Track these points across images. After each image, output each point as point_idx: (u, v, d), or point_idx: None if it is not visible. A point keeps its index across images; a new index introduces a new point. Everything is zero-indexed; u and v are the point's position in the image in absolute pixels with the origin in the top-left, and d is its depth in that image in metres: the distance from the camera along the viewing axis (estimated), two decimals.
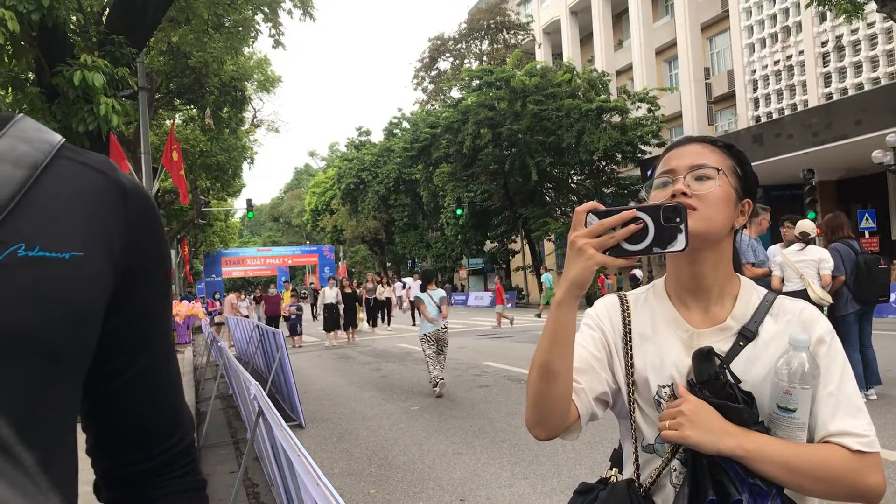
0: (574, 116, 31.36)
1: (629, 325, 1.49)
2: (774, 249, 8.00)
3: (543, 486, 5.49)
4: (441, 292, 10.88)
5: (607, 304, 1.56)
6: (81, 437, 0.91)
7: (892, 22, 21.94)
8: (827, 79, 27.35)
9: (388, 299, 25.45)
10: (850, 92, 25.40)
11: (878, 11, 17.96)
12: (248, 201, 37.03)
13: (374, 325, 24.96)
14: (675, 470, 1.37)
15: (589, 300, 22.57)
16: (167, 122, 26.17)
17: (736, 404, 1.29)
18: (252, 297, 29.39)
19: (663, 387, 1.41)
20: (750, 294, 1.46)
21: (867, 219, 20.92)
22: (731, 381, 1.33)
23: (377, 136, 58.68)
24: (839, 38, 26.50)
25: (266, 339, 10.65)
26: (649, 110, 31.75)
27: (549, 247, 40.36)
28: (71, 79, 8.24)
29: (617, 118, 31.97)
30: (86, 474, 0.91)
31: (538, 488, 5.44)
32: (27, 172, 0.78)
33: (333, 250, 60.50)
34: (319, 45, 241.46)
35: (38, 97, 8.91)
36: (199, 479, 1.00)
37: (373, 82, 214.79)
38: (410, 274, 45.40)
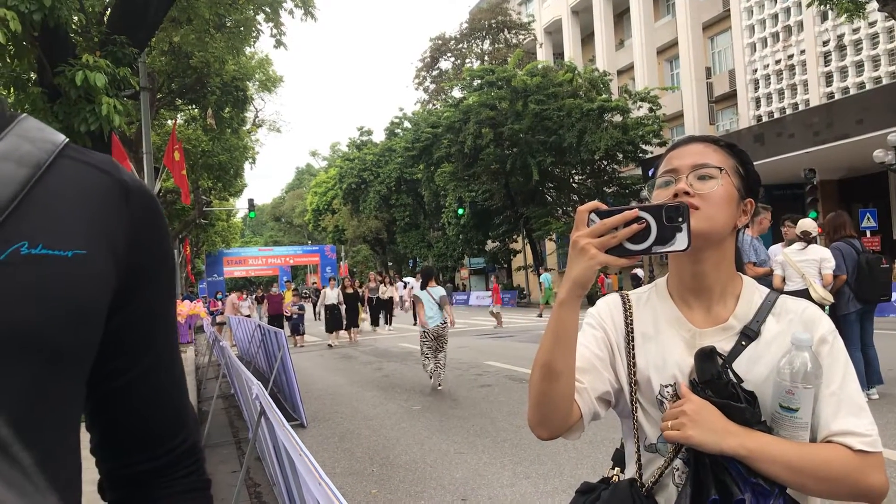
0: (575, 116, 31.36)
1: (631, 324, 1.49)
2: (776, 249, 7.99)
3: (545, 485, 5.49)
4: (441, 290, 10.88)
5: (609, 304, 1.56)
6: (85, 438, 0.91)
7: (893, 21, 21.93)
8: (828, 78, 27.33)
9: (391, 299, 25.45)
10: (852, 91, 25.38)
11: (879, 10, 17.94)
12: (250, 201, 37.05)
13: (376, 324, 24.94)
14: (677, 469, 1.37)
15: (590, 300, 22.59)
16: (169, 122, 26.18)
17: (738, 404, 1.29)
18: (254, 296, 29.40)
19: (666, 386, 1.41)
20: (752, 293, 1.46)
21: (868, 218, 20.91)
22: (734, 380, 1.33)
23: (379, 136, 58.77)
24: (840, 37, 26.47)
25: (268, 338, 10.66)
26: (651, 110, 31.74)
27: (550, 246, 40.36)
28: (73, 79, 8.25)
29: (618, 118, 31.97)
30: (90, 474, 0.91)
31: (540, 488, 5.44)
32: (30, 171, 0.78)
33: (335, 250, 60.54)
34: (321, 44, 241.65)
35: (40, 97, 8.91)
36: (204, 479, 1.00)
37: (374, 82, 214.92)
38: (412, 273, 45.42)
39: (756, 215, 6.12)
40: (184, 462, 0.97)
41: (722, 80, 33.17)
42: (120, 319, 0.86)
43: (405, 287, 28.96)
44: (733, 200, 1.42)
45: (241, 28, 15.24)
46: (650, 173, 1.58)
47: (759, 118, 29.75)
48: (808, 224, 7.76)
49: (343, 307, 20.24)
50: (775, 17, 29.44)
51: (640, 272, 30.93)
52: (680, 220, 1.23)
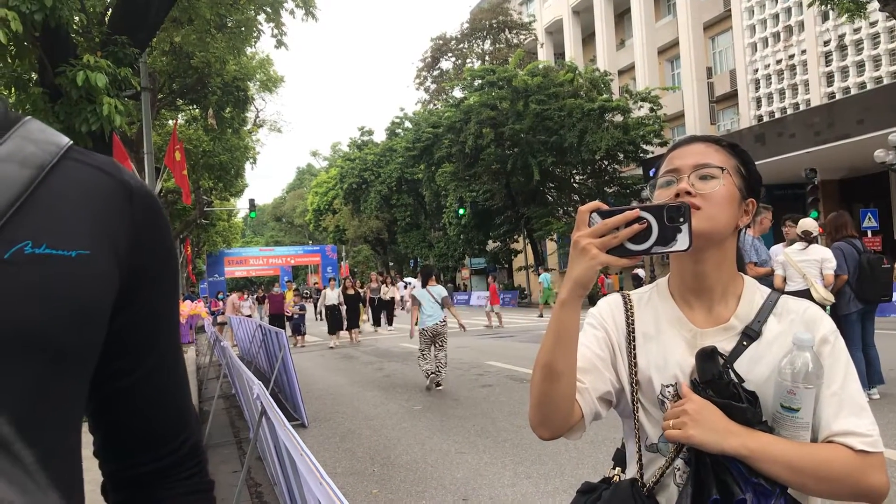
0: (576, 116, 31.35)
1: (633, 324, 1.49)
2: (777, 249, 7.98)
3: (546, 485, 5.49)
4: (442, 290, 10.89)
5: (611, 304, 1.56)
6: (87, 440, 0.91)
7: (894, 21, 21.92)
8: (829, 78, 27.32)
9: (392, 299, 25.46)
10: (853, 91, 25.36)
11: (880, 10, 17.93)
12: (251, 201, 37.06)
13: (378, 324, 24.93)
14: (678, 469, 1.37)
15: (591, 300, 22.59)
16: (170, 122, 26.18)
17: (740, 404, 1.30)
18: (255, 297, 29.39)
19: (667, 386, 1.41)
20: (753, 293, 1.46)
21: (869, 218, 20.90)
22: (735, 380, 1.33)
23: (379, 136, 58.74)
24: (841, 37, 26.46)
25: (269, 338, 10.66)
26: (651, 110, 31.73)
27: (551, 246, 40.34)
28: (74, 79, 8.25)
29: (619, 118, 31.96)
30: (93, 474, 0.91)
31: (541, 488, 5.44)
32: (34, 172, 0.78)
33: (336, 250, 60.47)
34: (322, 45, 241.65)
35: (41, 97, 8.91)
36: (207, 480, 1.01)
37: (375, 82, 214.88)
38: (413, 273, 45.43)
39: (757, 215, 6.09)
40: (187, 463, 0.98)
41: (723, 80, 33.16)
42: (123, 320, 0.86)
43: (406, 287, 28.99)
44: (735, 200, 1.41)
45: (242, 28, 15.25)
46: (651, 173, 1.58)
47: (760, 118, 29.74)
48: (808, 224, 7.76)
49: (343, 308, 20.24)
50: (776, 16, 29.44)
51: (641, 272, 30.92)
52: (681, 220, 1.23)
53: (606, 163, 34.18)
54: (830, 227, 8.19)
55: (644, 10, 36.43)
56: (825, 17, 26.58)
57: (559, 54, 43.81)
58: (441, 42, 49.90)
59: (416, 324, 10.93)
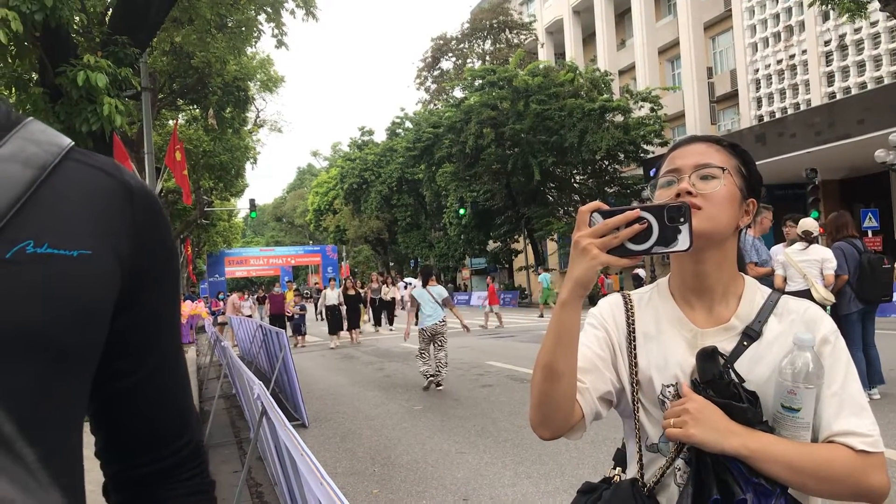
0: (577, 116, 31.35)
1: (633, 324, 1.49)
2: (777, 249, 7.98)
3: (547, 485, 5.49)
4: (442, 290, 10.90)
5: (611, 304, 1.56)
6: (88, 440, 0.91)
7: (894, 21, 21.91)
8: (830, 78, 27.32)
9: (393, 299, 25.46)
10: (853, 91, 25.36)
11: (881, 10, 17.93)
12: (251, 201, 37.05)
13: (379, 324, 24.91)
14: (678, 469, 1.37)
15: (591, 300, 22.60)
16: (170, 122, 26.18)
17: (740, 403, 1.30)
18: (255, 297, 29.38)
19: (667, 386, 1.41)
20: (754, 294, 1.46)
21: (870, 218, 20.90)
22: (735, 380, 1.33)
23: (380, 136, 58.72)
24: (842, 37, 26.46)
25: (269, 338, 10.66)
26: (652, 110, 31.72)
27: (551, 246, 40.35)
28: (74, 79, 8.25)
29: (620, 118, 31.96)
30: (94, 475, 0.91)
31: (541, 488, 5.44)
32: (36, 172, 0.79)
33: (336, 250, 60.47)
34: (322, 45, 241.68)
35: (42, 97, 8.92)
36: (208, 480, 1.01)
37: (375, 82, 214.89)
38: (413, 274, 45.41)
39: (757, 215, 6.09)
40: (189, 464, 0.98)
41: (723, 80, 33.16)
42: (125, 320, 0.87)
43: (406, 287, 28.97)
44: (736, 200, 1.41)
45: (243, 28, 15.26)
46: (652, 173, 1.58)
47: (760, 118, 29.74)
48: (809, 223, 7.75)
49: (343, 308, 20.23)
50: (777, 16, 29.44)
51: (641, 272, 30.91)
52: (682, 220, 1.23)
53: (607, 163, 34.19)
54: (831, 226, 8.18)
55: (644, 10, 36.43)
56: (826, 17, 26.58)
57: (560, 54, 43.82)
58: (441, 42, 49.90)
59: (417, 324, 10.97)
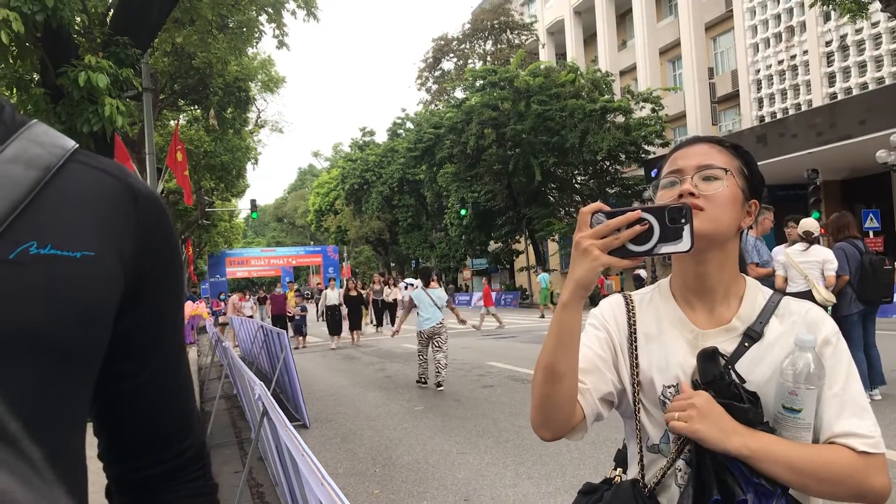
0: (578, 116, 31.36)
1: (634, 324, 1.49)
2: (779, 250, 7.97)
3: (547, 485, 5.49)
4: (442, 294, 10.94)
5: (612, 305, 1.56)
6: (90, 441, 0.91)
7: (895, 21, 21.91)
8: (831, 78, 27.31)
9: (395, 300, 25.47)
10: (855, 92, 25.35)
11: (882, 11, 17.92)
12: (252, 202, 37.06)
13: (380, 325, 24.90)
14: (679, 470, 1.38)
15: (592, 301, 22.61)
16: (171, 122, 26.18)
17: (741, 404, 1.30)
18: (256, 297, 29.39)
19: (668, 387, 1.41)
20: (755, 295, 1.46)
21: (871, 219, 20.88)
22: (736, 380, 1.33)
23: (381, 137, 58.71)
24: (843, 37, 26.45)
25: (270, 339, 10.67)
26: (653, 110, 31.73)
27: (552, 247, 40.35)
28: (75, 80, 8.25)
29: (621, 118, 31.97)
30: (95, 475, 0.91)
31: (542, 488, 5.44)
32: (40, 174, 0.79)
33: (337, 251, 60.45)
34: (323, 45, 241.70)
35: (43, 98, 8.91)
36: (211, 483, 1.01)
37: (376, 83, 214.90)
38: (414, 274, 45.39)
39: (759, 216, 6.10)
40: (192, 466, 0.98)
41: (724, 81, 33.16)
42: (129, 322, 0.87)
43: (407, 288, 28.95)
44: (738, 202, 1.42)
45: (244, 29, 15.26)
46: (653, 174, 1.58)
47: (761, 119, 29.73)
48: (810, 224, 7.74)
49: (345, 309, 20.22)
50: (778, 17, 29.43)
51: (642, 273, 30.92)
52: (683, 221, 1.23)
53: (608, 163, 34.20)
54: (833, 227, 8.17)
55: (645, 10, 36.44)
56: (827, 18, 26.58)
57: (561, 55, 43.83)
58: (442, 42, 49.90)
59: (419, 317, 11.02)
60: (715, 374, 1.33)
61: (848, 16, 17.02)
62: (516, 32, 47.77)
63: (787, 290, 7.30)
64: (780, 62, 29.37)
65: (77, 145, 0.85)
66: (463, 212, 41.72)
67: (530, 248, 38.87)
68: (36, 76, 9.57)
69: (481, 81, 34.26)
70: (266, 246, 77.00)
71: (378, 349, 17.98)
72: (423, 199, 49.37)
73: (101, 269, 0.80)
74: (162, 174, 16.02)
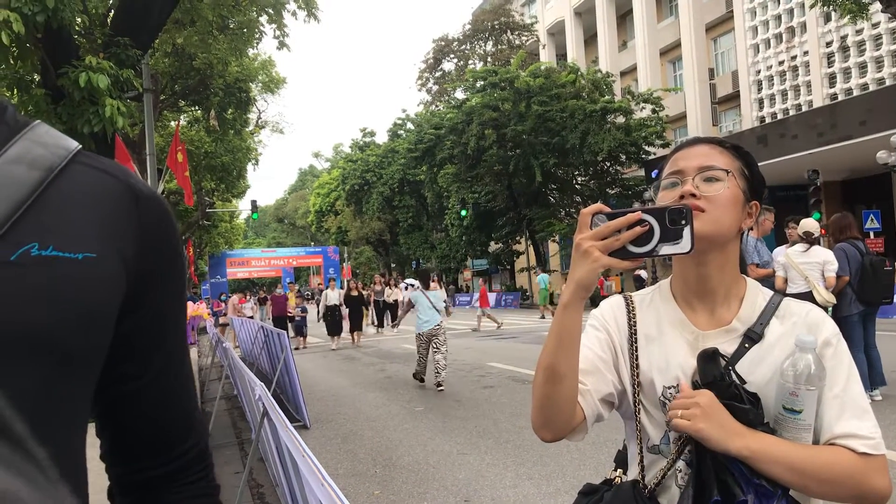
0: (578, 117, 31.37)
1: (635, 325, 1.49)
2: (780, 251, 7.97)
3: (548, 486, 5.49)
4: (441, 295, 10.97)
5: (613, 305, 1.56)
6: (92, 441, 0.91)
7: None
8: (832, 79, 27.31)
9: (396, 301, 25.47)
10: (855, 92, 25.35)
11: (882, 12, 17.91)
12: (253, 202, 37.08)
13: (381, 325, 24.89)
14: (679, 471, 1.38)
15: (592, 301, 22.59)
16: (172, 123, 26.18)
17: (742, 405, 1.30)
18: (256, 298, 29.39)
19: (669, 388, 1.41)
20: (756, 296, 1.46)
21: (872, 219, 20.89)
22: (737, 381, 1.34)
23: (381, 137, 58.70)
24: (844, 38, 26.45)
25: (271, 340, 10.67)
26: (653, 111, 31.74)
27: (553, 248, 40.35)
28: (76, 80, 8.25)
29: (621, 119, 31.97)
30: (95, 476, 0.91)
31: (542, 489, 5.44)
32: (42, 174, 0.79)
33: (338, 251, 60.47)
34: (323, 46, 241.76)
35: (44, 98, 8.92)
36: (213, 484, 1.01)
37: (377, 83, 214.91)
38: (414, 275, 45.39)
39: (759, 217, 6.08)
40: (194, 467, 0.98)
41: (725, 82, 33.16)
42: (131, 323, 0.87)
43: (407, 289, 28.92)
44: (739, 203, 1.42)
45: (244, 30, 15.26)
46: (654, 174, 1.58)
47: (762, 119, 29.73)
48: (810, 224, 7.74)
49: (345, 309, 20.20)
50: (778, 18, 29.43)
51: (643, 273, 30.91)
52: (683, 222, 1.23)
53: (608, 164, 34.20)
54: (834, 227, 8.17)
55: (646, 11, 36.43)
56: (827, 19, 26.58)
57: (561, 55, 43.82)
58: (443, 43, 49.88)
59: (417, 318, 11.09)
60: (715, 374, 1.33)
61: (848, 17, 17.02)
62: (517, 33, 47.75)
63: (788, 291, 7.29)
64: (781, 63, 29.37)
65: (80, 146, 0.85)
66: (463, 212, 41.72)
67: (531, 249, 38.86)
68: (37, 77, 9.58)
69: (482, 82, 34.27)
70: (266, 247, 77.05)
71: (378, 350, 17.98)
72: (424, 200, 49.38)
73: (103, 270, 0.80)
74: (162, 175, 16.03)
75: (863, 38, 25.88)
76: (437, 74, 51.33)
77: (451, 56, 50.52)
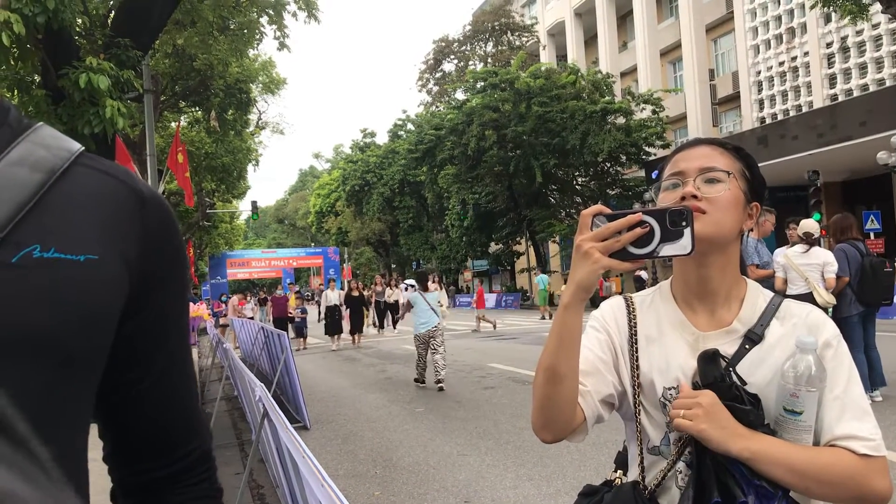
0: (578, 118, 31.38)
1: (635, 326, 1.49)
2: (780, 252, 7.96)
3: (548, 487, 5.49)
4: (439, 295, 10.97)
5: (613, 306, 1.56)
6: (97, 444, 0.91)
7: None
8: (832, 80, 27.31)
9: (397, 302, 25.47)
10: (855, 93, 25.36)
11: (882, 13, 17.91)
12: (253, 203, 37.09)
13: (382, 326, 24.88)
14: (680, 472, 1.38)
15: (592, 302, 22.58)
16: (172, 124, 26.17)
17: (742, 406, 1.30)
18: (257, 299, 29.38)
19: (669, 389, 1.41)
20: (756, 297, 1.46)
21: (872, 220, 20.89)
22: (737, 382, 1.33)
23: (382, 138, 58.75)
24: (844, 39, 26.46)
25: (271, 340, 10.67)
26: (654, 112, 31.76)
27: (553, 248, 40.36)
28: (77, 81, 8.25)
29: (621, 120, 31.99)
30: (96, 477, 0.91)
31: (543, 490, 5.44)
32: (44, 176, 0.79)
33: (338, 252, 60.46)
34: (324, 47, 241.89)
35: (44, 99, 8.92)
36: (216, 486, 1.00)
37: (377, 84, 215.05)
38: (414, 276, 45.35)
39: (760, 218, 6.06)
40: (197, 468, 0.98)
41: (725, 82, 33.16)
42: (133, 326, 0.87)
43: (407, 289, 28.91)
44: (740, 204, 1.41)
45: (245, 30, 15.25)
46: (654, 175, 1.58)
47: (762, 120, 29.73)
48: (810, 225, 7.73)
49: (345, 309, 20.18)
50: (779, 18, 29.44)
51: (643, 274, 30.92)
52: (684, 223, 1.23)
53: (609, 165, 34.22)
54: (835, 228, 8.16)
55: (646, 12, 36.44)
56: (827, 20, 26.58)
57: (561, 56, 43.83)
58: (443, 44, 49.92)
59: (415, 320, 11.10)
60: (716, 375, 1.33)
61: (848, 17, 17.00)
62: (517, 34, 47.78)
63: (788, 293, 7.29)
64: (781, 64, 29.37)
65: (83, 148, 0.85)
66: (465, 219, 41.75)
67: (531, 250, 38.87)
68: (37, 78, 9.58)
69: (482, 83, 34.31)
70: (267, 247, 77.02)
71: (379, 350, 17.98)
72: (424, 201, 49.39)
73: (105, 272, 0.80)
74: (163, 176, 16.04)
75: (863, 39, 25.89)
76: (438, 75, 51.38)
77: (452, 57, 50.56)
